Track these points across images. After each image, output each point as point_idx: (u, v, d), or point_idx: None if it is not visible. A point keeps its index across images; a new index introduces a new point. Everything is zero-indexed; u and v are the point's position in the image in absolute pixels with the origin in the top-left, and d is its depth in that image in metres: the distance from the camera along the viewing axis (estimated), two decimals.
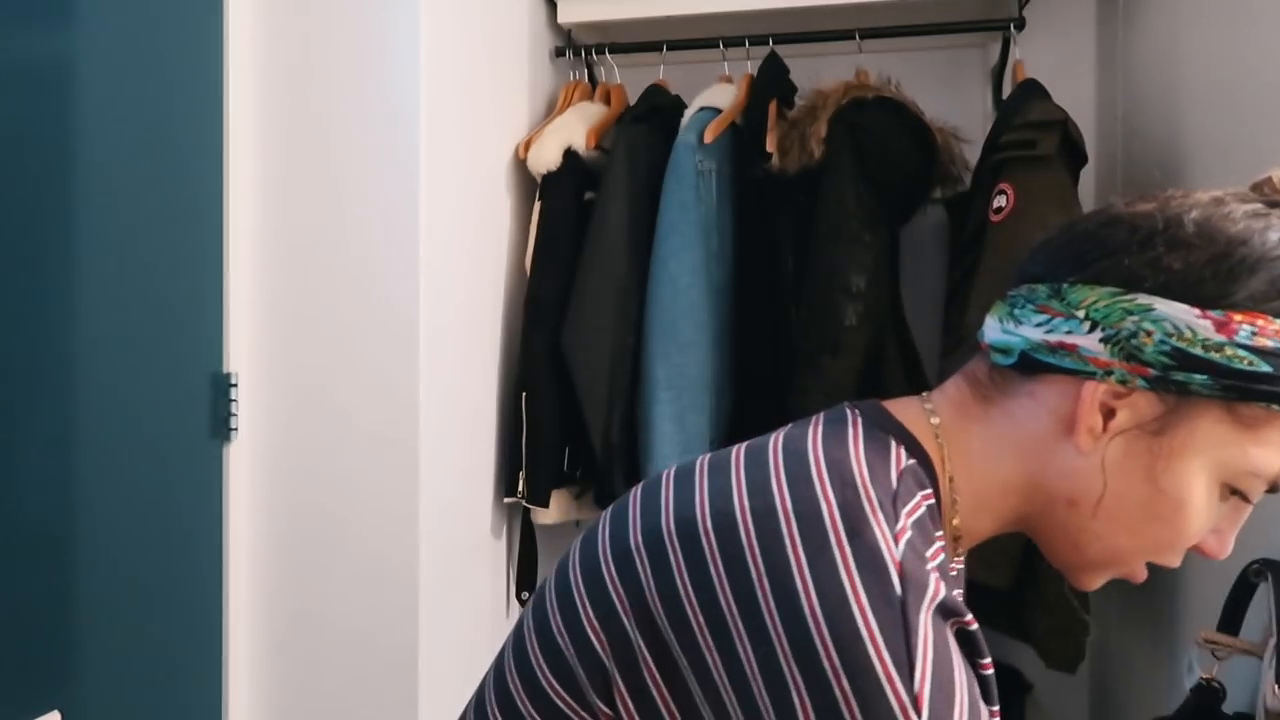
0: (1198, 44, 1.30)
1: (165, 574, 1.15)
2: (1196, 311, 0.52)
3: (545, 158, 1.55)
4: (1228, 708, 0.97)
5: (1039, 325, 0.58)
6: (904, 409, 0.61)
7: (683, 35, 1.72)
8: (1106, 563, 0.59)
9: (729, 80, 1.66)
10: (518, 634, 0.61)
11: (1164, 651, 1.35)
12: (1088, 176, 1.50)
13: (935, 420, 0.60)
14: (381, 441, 1.27)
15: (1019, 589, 1.32)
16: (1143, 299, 0.54)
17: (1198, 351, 0.52)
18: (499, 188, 1.56)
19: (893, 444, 0.57)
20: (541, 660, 0.57)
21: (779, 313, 1.52)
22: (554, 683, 0.56)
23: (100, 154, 1.05)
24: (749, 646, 0.49)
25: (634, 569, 0.53)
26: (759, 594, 0.49)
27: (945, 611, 0.50)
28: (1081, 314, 0.56)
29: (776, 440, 0.57)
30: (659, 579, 0.52)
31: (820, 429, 0.57)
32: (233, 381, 1.26)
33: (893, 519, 0.51)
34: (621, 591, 0.53)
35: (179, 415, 1.18)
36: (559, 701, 0.56)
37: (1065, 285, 0.57)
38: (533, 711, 0.57)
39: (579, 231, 1.57)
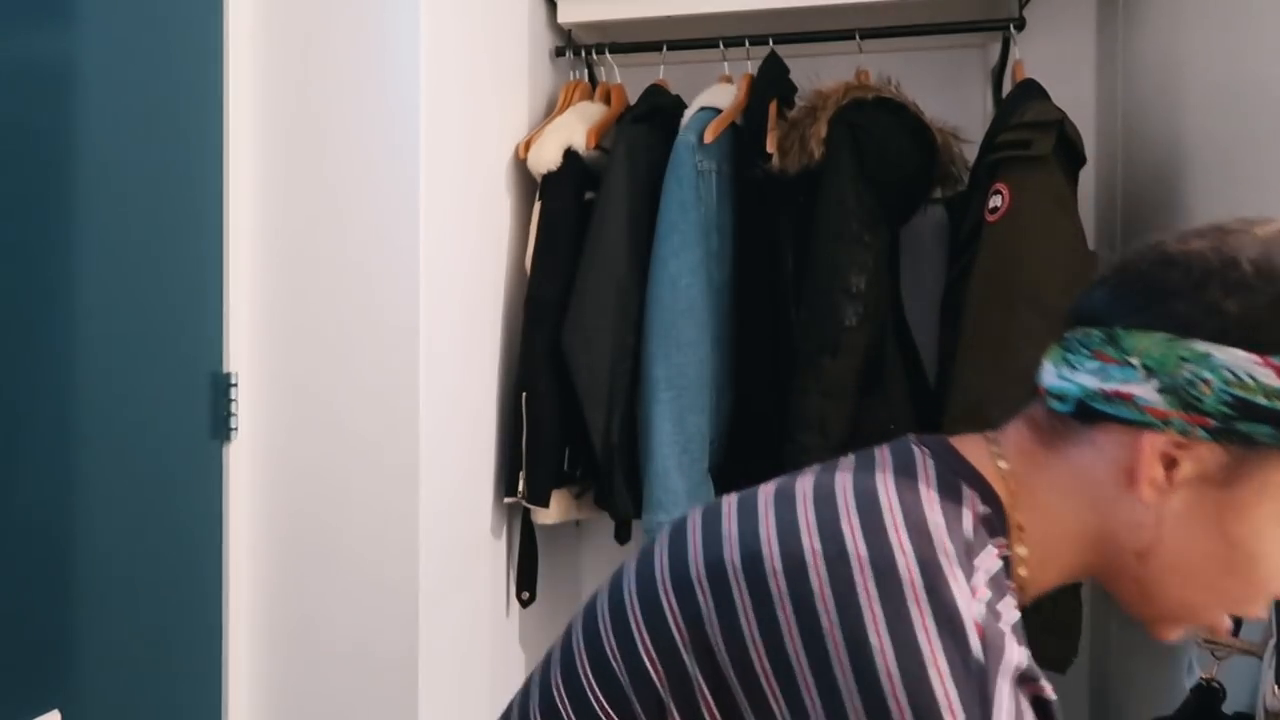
0: (1198, 44, 1.30)
1: (165, 574, 1.15)
2: (1257, 358, 0.49)
3: (545, 158, 1.55)
4: (1228, 708, 0.97)
5: (1094, 372, 0.55)
6: (972, 449, 0.59)
7: (683, 35, 1.72)
8: (1182, 616, 0.57)
9: (729, 80, 1.67)
10: (566, 647, 0.59)
11: (1164, 651, 1.35)
12: (1087, 177, 1.50)
13: (1003, 465, 0.58)
14: (381, 441, 1.27)
15: None
16: (1199, 345, 0.50)
17: (1261, 401, 0.49)
18: (499, 188, 1.56)
19: (965, 490, 0.54)
20: (592, 680, 0.55)
21: (779, 313, 1.52)
22: (605, 704, 0.54)
23: (100, 154, 1.05)
24: (816, 695, 0.47)
25: (695, 601, 0.51)
26: (830, 645, 0.47)
27: (1023, 680, 0.48)
28: (1136, 361, 0.53)
29: (844, 477, 0.54)
30: (721, 614, 0.50)
31: (889, 468, 0.55)
32: (233, 381, 1.26)
33: (969, 573, 0.49)
34: (681, 624, 0.52)
35: (179, 415, 1.18)
36: None
37: (1119, 330, 0.55)
38: None
39: (579, 231, 1.57)
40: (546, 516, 1.57)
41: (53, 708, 0.98)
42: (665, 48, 1.71)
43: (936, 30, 1.66)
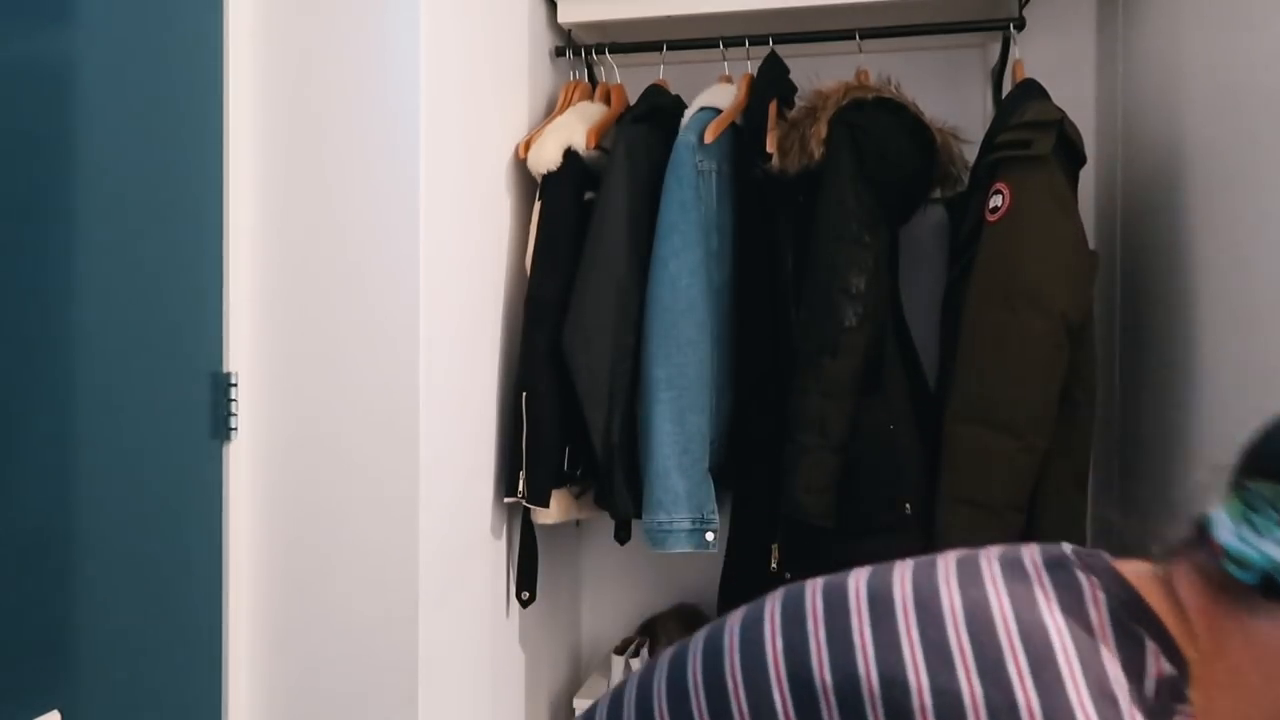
0: (1198, 44, 1.30)
1: (165, 574, 1.15)
2: None
3: (545, 157, 1.55)
4: None
5: None
6: (1148, 588, 0.51)
7: (683, 35, 1.72)
8: None
9: (729, 80, 1.67)
10: (643, 699, 0.55)
11: None
12: (1087, 177, 1.50)
13: (1184, 619, 0.50)
14: (381, 441, 1.27)
15: None
16: None
17: None
18: (499, 188, 1.56)
19: (1148, 643, 0.48)
20: None
21: (779, 313, 1.52)
22: None
23: (100, 154, 1.05)
24: None
25: (816, 710, 0.46)
26: None
27: None
28: None
29: (1000, 598, 0.48)
30: None
31: (1052, 595, 0.48)
32: (233, 381, 1.26)
33: None
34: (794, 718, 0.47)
35: (179, 415, 1.18)
36: None
37: None
38: None
39: (579, 231, 1.57)
40: (546, 516, 1.57)
41: (53, 708, 0.98)
42: (665, 48, 1.71)
43: (936, 30, 1.66)
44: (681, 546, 1.49)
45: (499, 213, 1.56)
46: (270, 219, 1.29)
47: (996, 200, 1.37)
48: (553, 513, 1.57)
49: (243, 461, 1.28)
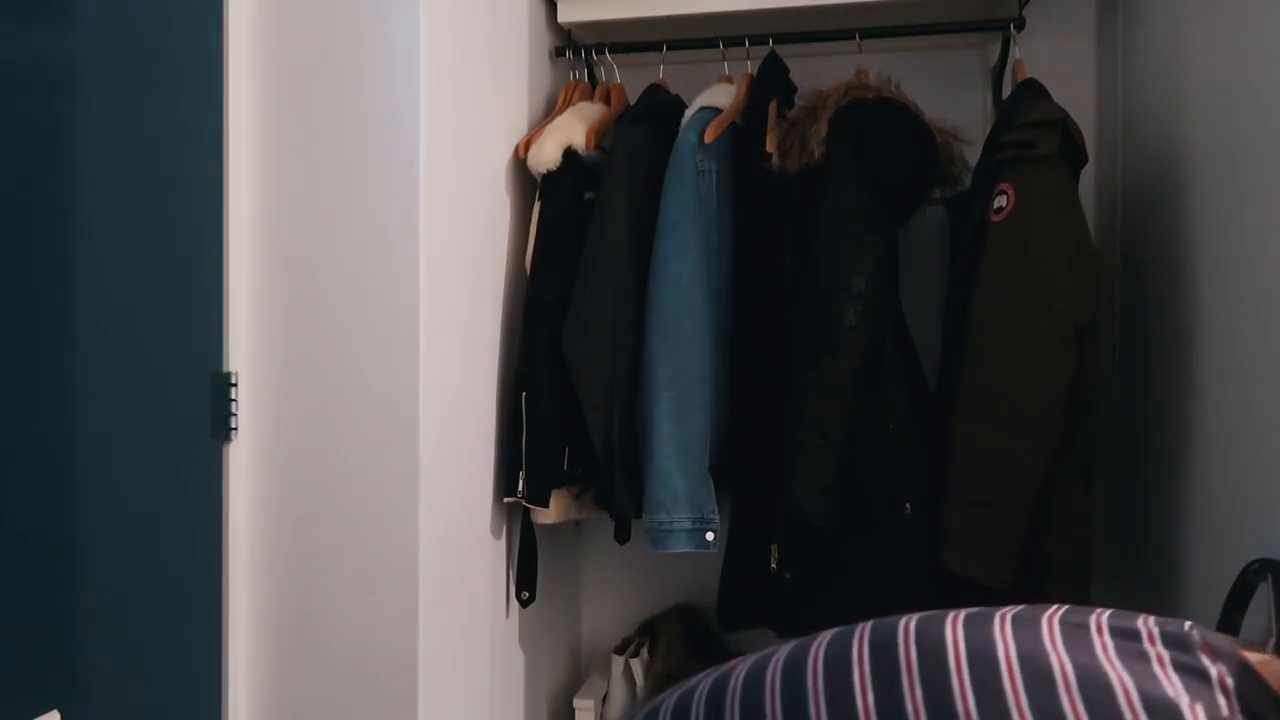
0: (1198, 44, 1.30)
1: (165, 574, 1.15)
2: None
3: (545, 157, 1.55)
4: None
5: None
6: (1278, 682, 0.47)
7: (683, 35, 1.72)
8: None
9: (729, 80, 1.67)
10: (715, 700, 0.52)
11: None
12: (1088, 176, 1.50)
13: None
14: (381, 441, 1.26)
15: (1020, 588, 1.32)
16: None
17: None
18: (499, 187, 1.56)
19: None
20: None
21: (779, 312, 1.52)
22: None
23: (100, 154, 1.05)
24: None
25: None
26: None
27: None
28: None
29: (1114, 668, 0.45)
30: None
31: (1176, 680, 0.45)
32: (233, 381, 1.26)
33: None
34: None
35: (179, 415, 1.17)
36: None
37: None
38: None
39: (579, 231, 1.57)
40: (546, 516, 1.57)
41: (53, 708, 0.98)
42: (665, 48, 1.71)
43: (936, 30, 1.66)
44: (681, 546, 1.49)
45: (499, 213, 1.56)
46: (270, 219, 1.29)
47: (1001, 200, 1.37)
48: (552, 513, 1.57)
49: (243, 461, 1.28)
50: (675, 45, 1.71)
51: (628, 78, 1.76)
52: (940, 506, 1.36)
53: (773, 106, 1.55)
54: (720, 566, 1.59)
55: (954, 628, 0.48)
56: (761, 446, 1.51)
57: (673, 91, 1.71)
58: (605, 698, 1.84)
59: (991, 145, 1.46)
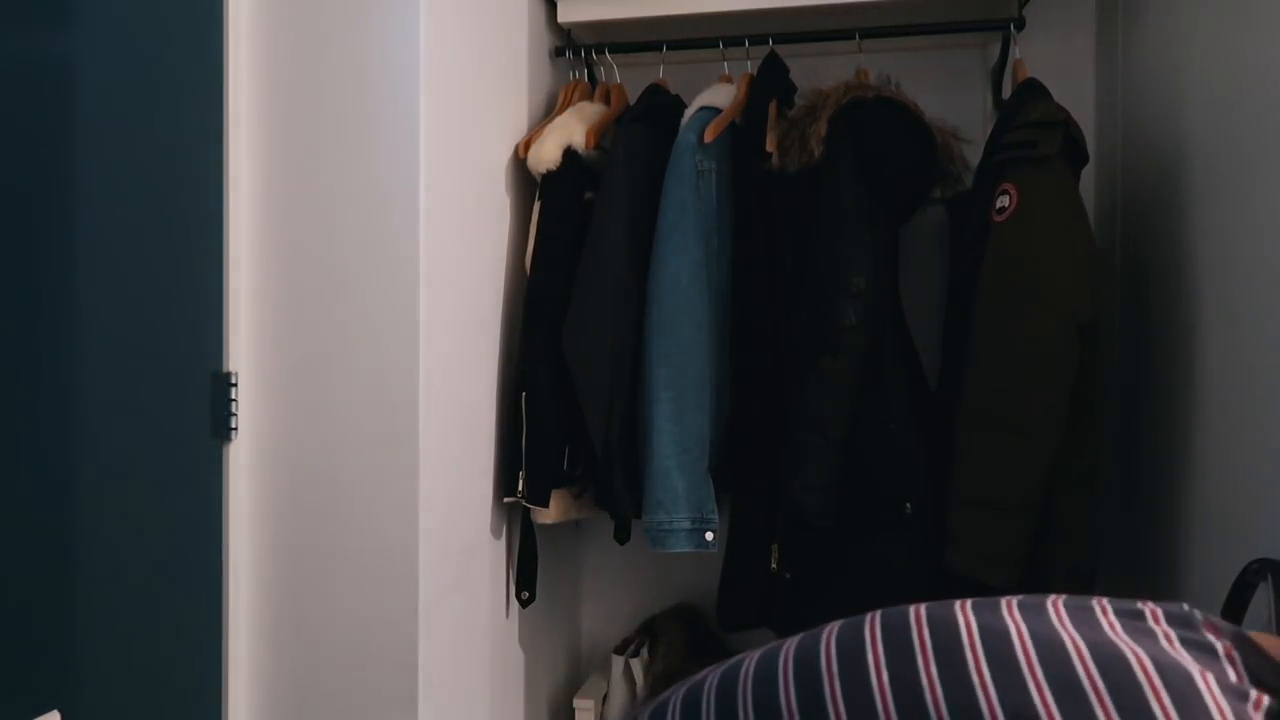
0: (1198, 44, 1.30)
1: (165, 574, 1.15)
2: None
3: (545, 157, 1.55)
4: None
5: None
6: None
7: (682, 35, 1.72)
8: None
9: (729, 80, 1.66)
10: (725, 696, 0.52)
11: None
12: (1088, 176, 1.50)
13: None
14: (381, 441, 1.26)
15: (1023, 588, 1.32)
16: None
17: None
18: (499, 187, 1.56)
19: None
20: None
21: (779, 312, 1.52)
22: None
23: (100, 153, 1.04)
24: None
25: None
26: None
27: None
28: None
29: (1125, 641, 0.46)
30: None
31: (1185, 653, 0.46)
32: (233, 381, 1.26)
33: None
34: None
35: (179, 415, 1.17)
36: None
37: None
38: None
39: (579, 231, 1.57)
40: (546, 516, 1.57)
41: (53, 708, 0.98)
42: (665, 48, 1.71)
43: (936, 30, 1.66)
44: (681, 546, 1.49)
45: (499, 212, 1.56)
46: (270, 219, 1.29)
47: (1003, 200, 1.37)
48: (552, 512, 1.57)
49: (243, 461, 1.28)
50: (675, 45, 1.71)
51: (627, 78, 1.76)
52: (944, 506, 1.36)
53: (772, 106, 1.55)
54: (720, 566, 1.59)
55: (964, 611, 0.49)
56: (761, 446, 1.51)
57: (672, 91, 1.71)
58: (605, 698, 1.84)
59: (993, 145, 1.46)
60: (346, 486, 1.28)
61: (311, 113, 1.28)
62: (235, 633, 1.27)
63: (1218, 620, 0.48)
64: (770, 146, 1.51)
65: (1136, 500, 1.53)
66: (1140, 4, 1.54)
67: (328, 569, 1.28)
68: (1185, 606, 0.49)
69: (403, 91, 1.26)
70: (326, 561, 1.28)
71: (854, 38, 1.64)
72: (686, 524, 1.49)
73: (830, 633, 0.52)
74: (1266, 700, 0.42)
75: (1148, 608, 0.49)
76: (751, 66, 1.64)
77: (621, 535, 1.75)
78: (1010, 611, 0.49)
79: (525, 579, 1.61)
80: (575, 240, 1.56)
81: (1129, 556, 1.56)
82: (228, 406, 1.26)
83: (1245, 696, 0.42)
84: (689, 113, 1.60)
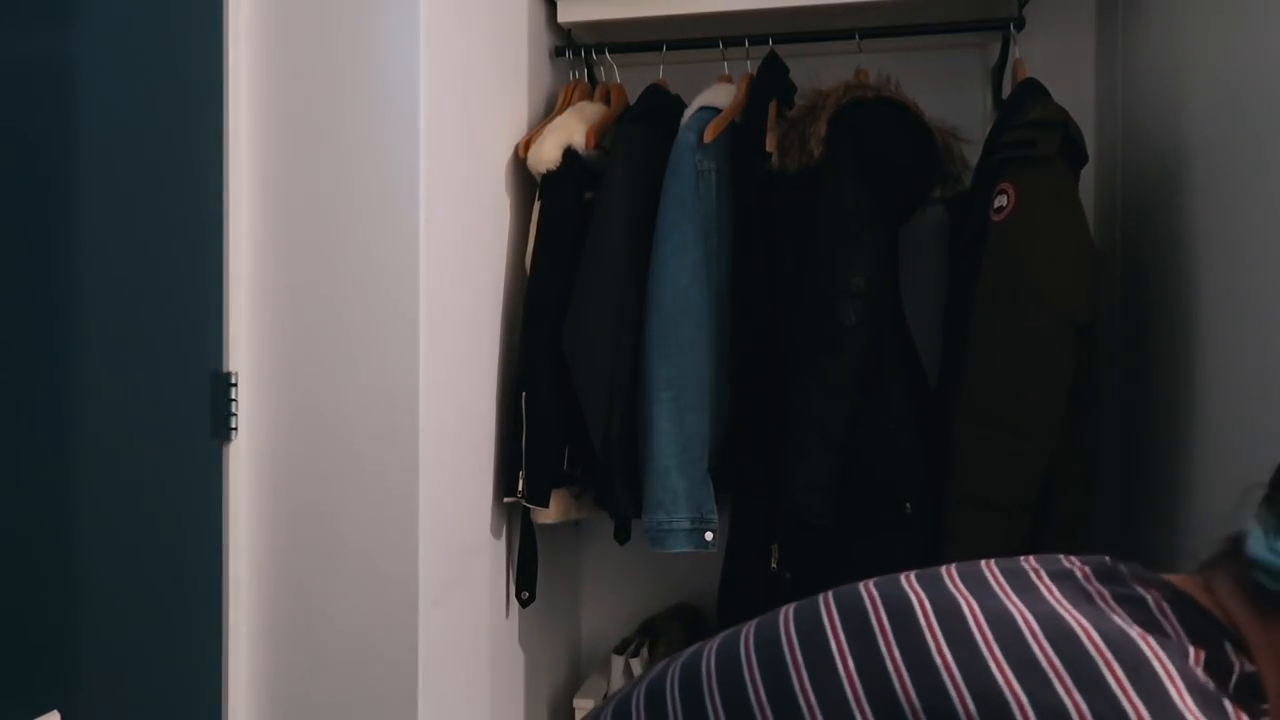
0: (1198, 43, 1.30)
1: (165, 574, 1.15)
2: None
3: (545, 157, 1.55)
4: None
5: None
6: (1202, 599, 0.51)
7: (682, 35, 1.72)
8: None
9: (729, 80, 1.66)
10: (690, 691, 0.53)
11: None
12: (1087, 176, 1.50)
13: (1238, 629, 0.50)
14: (381, 441, 1.27)
15: None
16: None
17: None
18: (499, 187, 1.56)
19: (1226, 643, 0.47)
20: None
21: (779, 312, 1.52)
22: None
23: (100, 154, 1.05)
24: None
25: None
26: None
27: None
28: None
29: (1068, 611, 0.47)
30: None
31: (1121, 612, 0.47)
32: (233, 381, 1.26)
33: None
34: None
35: (179, 415, 1.17)
36: None
37: None
38: None
39: (579, 231, 1.57)
40: (546, 516, 1.57)
41: (53, 708, 0.98)
42: (665, 48, 1.71)
43: (936, 30, 1.66)
44: (681, 546, 1.49)
45: (499, 212, 1.56)
46: (270, 219, 1.29)
47: (1001, 200, 1.37)
48: (552, 512, 1.57)
49: (243, 461, 1.28)
50: (675, 45, 1.71)
51: (627, 78, 1.76)
52: (941, 506, 1.36)
53: (772, 106, 1.55)
54: (720, 566, 1.59)
55: (912, 587, 0.50)
56: (761, 446, 1.51)
57: (672, 91, 1.71)
58: (605, 698, 1.83)
59: (992, 145, 1.46)
60: (346, 486, 1.28)
61: (311, 113, 1.28)
62: (235, 633, 1.27)
63: (1139, 570, 0.51)
64: (770, 146, 1.51)
65: (1136, 500, 1.53)
66: (1140, 4, 1.54)
67: (328, 569, 1.28)
68: (1107, 559, 0.51)
69: (403, 91, 1.26)
70: (326, 561, 1.28)
71: (854, 38, 1.64)
72: (686, 524, 1.49)
73: (788, 620, 0.53)
74: (1204, 654, 0.45)
75: (1075, 566, 0.51)
76: (751, 66, 1.64)
77: (621, 535, 1.75)
78: (956, 585, 0.51)
79: (525, 579, 1.61)
80: (575, 240, 1.56)
81: (1128, 556, 1.56)
82: (228, 406, 1.26)
83: (1185, 654, 0.44)
84: (689, 113, 1.60)
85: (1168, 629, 0.47)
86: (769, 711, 0.50)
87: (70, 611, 1.01)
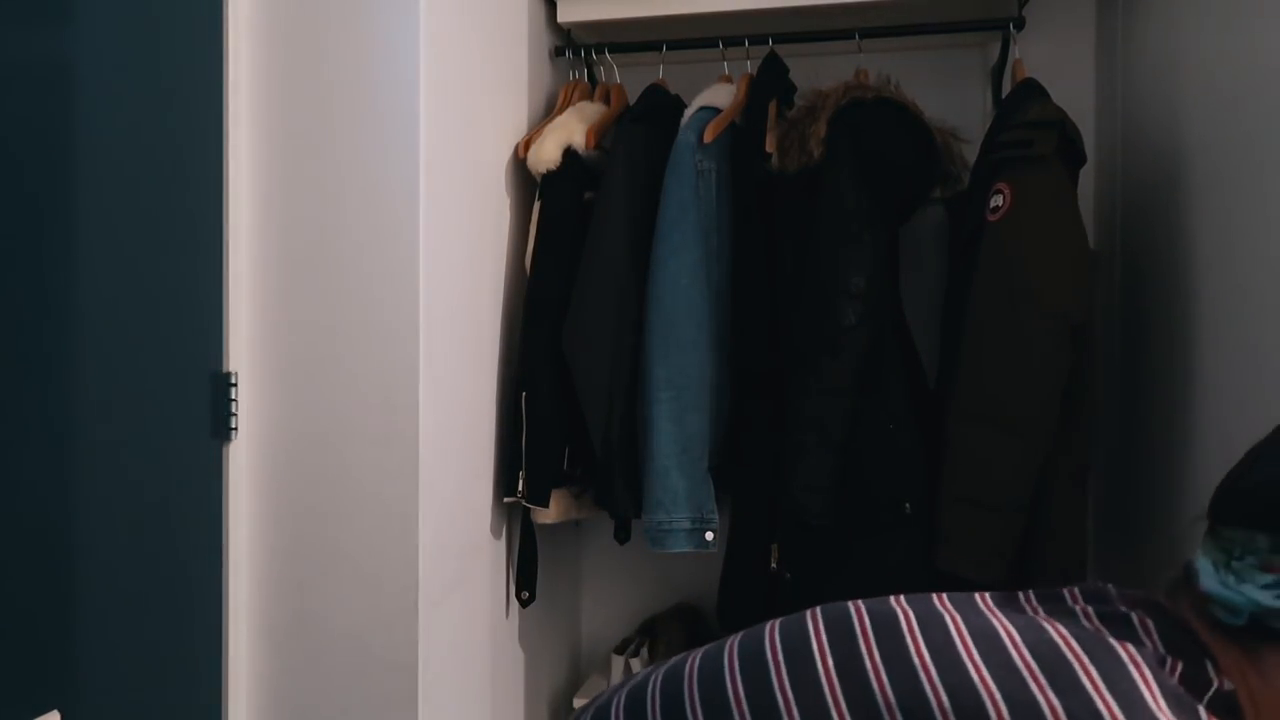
0: (1197, 43, 1.30)
1: (165, 574, 1.15)
2: None
3: (545, 157, 1.55)
4: None
5: (1266, 587, 0.48)
6: (1194, 620, 0.52)
7: (682, 35, 1.72)
8: None
9: (729, 80, 1.66)
10: (671, 695, 0.54)
11: None
12: (1087, 176, 1.50)
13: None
14: (381, 441, 1.27)
15: (1014, 587, 1.32)
16: None
17: None
18: (499, 187, 1.56)
19: (1205, 661, 0.48)
20: None
21: (779, 312, 1.52)
22: None
23: (100, 154, 1.05)
24: None
25: None
26: None
27: None
28: None
29: (1051, 624, 0.48)
30: None
31: (1104, 629, 0.48)
32: (233, 381, 1.26)
33: None
34: None
35: (179, 415, 1.18)
36: None
37: None
38: None
39: (579, 231, 1.57)
40: (546, 516, 1.57)
41: (53, 708, 0.98)
42: (665, 48, 1.71)
43: (936, 30, 1.66)
44: (681, 546, 1.49)
45: (499, 212, 1.56)
46: (270, 219, 1.29)
47: (997, 200, 1.37)
48: (552, 512, 1.57)
49: (243, 461, 1.28)
50: (675, 45, 1.71)
51: (627, 78, 1.76)
52: (934, 505, 1.37)
53: (772, 106, 1.55)
54: (720, 566, 1.59)
55: (899, 603, 0.52)
56: (761, 446, 1.51)
57: (672, 91, 1.71)
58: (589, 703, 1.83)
59: (989, 145, 1.46)
60: (346, 486, 1.28)
61: (311, 112, 1.28)
62: (235, 633, 1.27)
63: (1130, 591, 0.52)
64: (770, 147, 1.51)
65: (1133, 500, 1.53)
66: (1140, 4, 1.54)
67: (328, 569, 1.28)
68: (1100, 583, 0.53)
69: (402, 91, 1.26)
70: (326, 561, 1.28)
71: (853, 38, 1.64)
72: (686, 524, 1.49)
73: (773, 628, 0.55)
74: (1181, 665, 0.46)
75: (1068, 592, 0.53)
76: (751, 66, 1.64)
77: (621, 535, 1.75)
78: (943, 603, 0.52)
79: (525, 579, 1.62)
80: (575, 240, 1.56)
81: (1125, 556, 1.56)
82: (228, 406, 1.26)
83: (1163, 663, 0.45)
84: (689, 113, 1.60)
85: (1146, 642, 0.48)
86: (747, 711, 0.51)
87: (70, 611, 1.01)
